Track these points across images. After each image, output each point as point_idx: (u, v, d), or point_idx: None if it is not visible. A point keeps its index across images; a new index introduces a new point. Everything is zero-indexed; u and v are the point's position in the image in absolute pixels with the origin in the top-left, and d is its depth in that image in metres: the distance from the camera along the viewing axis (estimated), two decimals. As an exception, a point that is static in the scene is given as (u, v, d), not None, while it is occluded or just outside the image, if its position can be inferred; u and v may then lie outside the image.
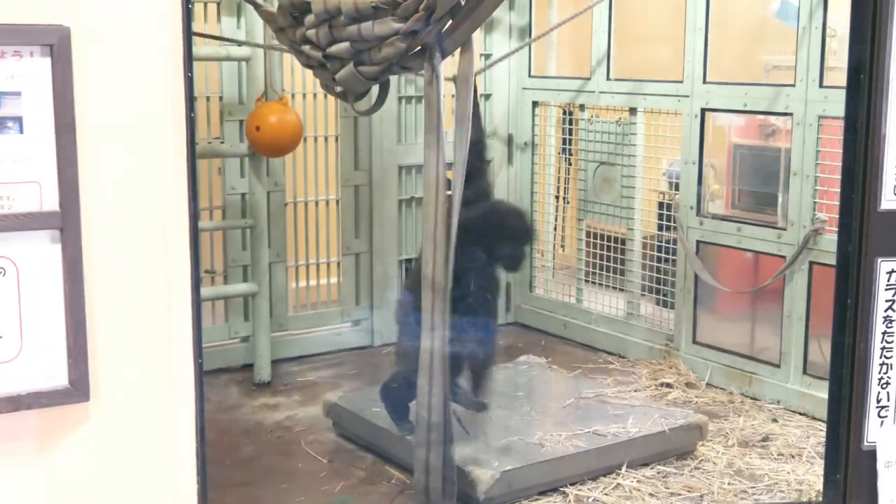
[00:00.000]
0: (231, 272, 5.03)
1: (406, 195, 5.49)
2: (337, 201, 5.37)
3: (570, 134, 5.75)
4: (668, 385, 4.74)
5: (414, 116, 5.50)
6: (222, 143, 4.90)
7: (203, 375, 2.29)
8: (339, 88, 3.87)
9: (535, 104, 5.84)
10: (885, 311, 2.31)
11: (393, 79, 5.28)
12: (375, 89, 3.98)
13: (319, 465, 3.97)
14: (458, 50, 3.54)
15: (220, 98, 4.93)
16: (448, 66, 3.67)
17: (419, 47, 3.60)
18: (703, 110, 4.93)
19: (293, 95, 5.08)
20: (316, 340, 5.29)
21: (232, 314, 5.06)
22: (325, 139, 5.32)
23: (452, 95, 3.49)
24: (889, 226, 2.30)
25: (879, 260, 2.33)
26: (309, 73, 4.02)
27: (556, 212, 5.98)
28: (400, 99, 5.44)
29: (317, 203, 5.34)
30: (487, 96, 5.81)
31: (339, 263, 5.41)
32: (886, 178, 2.29)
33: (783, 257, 4.55)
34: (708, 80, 4.91)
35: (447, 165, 3.50)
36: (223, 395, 4.69)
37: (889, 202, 2.28)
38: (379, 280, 5.42)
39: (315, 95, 5.21)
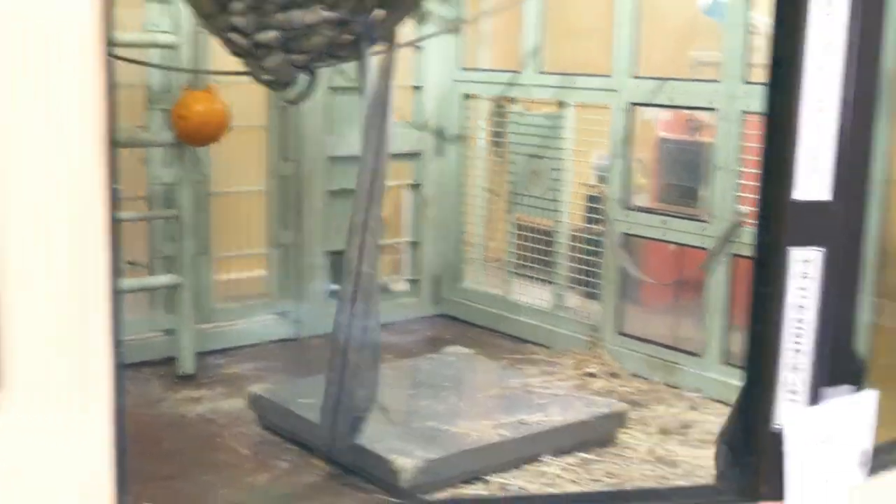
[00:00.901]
0: (155, 264, 4.97)
1: (336, 186, 5.46)
2: (264, 192, 5.32)
3: (501, 127, 5.78)
4: (593, 375, 4.79)
5: (345, 107, 5.47)
6: (146, 131, 4.83)
7: (123, 367, 2.26)
8: (267, 77, 3.85)
9: (465, 96, 5.85)
10: (797, 298, 2.36)
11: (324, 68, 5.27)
12: (305, 79, 3.97)
13: (243, 457, 3.94)
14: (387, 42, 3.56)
15: (145, 86, 4.85)
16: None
17: (350, 36, 3.60)
18: (631, 104, 4.99)
19: (221, 83, 5.01)
20: (242, 332, 5.24)
21: (155, 306, 5.00)
22: (254, 129, 5.27)
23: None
24: (800, 215, 2.34)
25: (793, 249, 2.37)
26: (237, 61, 3.98)
27: (486, 204, 6.00)
28: (330, 89, 5.41)
29: (244, 194, 5.29)
30: (418, 88, 5.81)
31: (266, 255, 5.37)
32: (800, 170, 2.34)
33: (706, 249, 4.63)
34: (636, 74, 4.97)
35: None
36: (145, 388, 4.62)
37: (801, 193, 2.33)
38: (306, 271, 5.39)
39: (244, 84, 5.13)
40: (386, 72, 3.49)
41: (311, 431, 3.94)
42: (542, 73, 5.41)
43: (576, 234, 5.40)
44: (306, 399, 4.12)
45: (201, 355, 4.95)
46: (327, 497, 3.60)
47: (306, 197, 5.35)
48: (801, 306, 2.37)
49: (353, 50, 3.66)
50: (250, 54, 3.75)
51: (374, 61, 3.63)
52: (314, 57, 3.67)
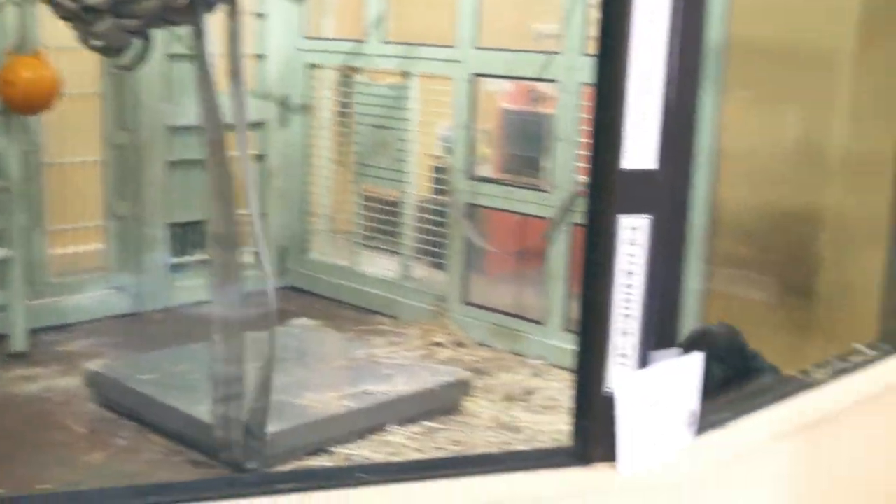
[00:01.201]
0: (-17, 238, 4.74)
1: (175, 157, 5.33)
2: (101, 162, 5.15)
3: (347, 97, 5.73)
4: (440, 344, 4.84)
5: (183, 75, 5.33)
6: (-31, 99, 4.59)
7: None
8: (98, 43, 3.71)
9: (309, 66, 5.78)
10: (626, 264, 2.42)
11: (161, 35, 5.11)
12: (138, 45, 3.84)
13: (79, 435, 3.83)
14: (227, 6, 3.48)
15: (-32, 51, 4.62)
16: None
17: (184, 1, 3.50)
18: (474, 75, 5.02)
19: (51, 49, 4.82)
20: (79, 307, 5.06)
21: (-16, 282, 4.78)
22: (88, 97, 5.08)
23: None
24: (630, 184, 2.40)
25: (622, 217, 2.43)
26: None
27: (332, 175, 5.96)
28: (169, 56, 5.26)
29: (78, 164, 5.11)
30: (261, 57, 5.70)
31: (103, 227, 5.20)
32: (626, 139, 2.39)
33: (548, 219, 4.71)
34: (479, 45, 5.00)
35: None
36: (-27, 367, 4.44)
37: (628, 161, 2.39)
38: (146, 244, 5.25)
39: (76, 50, 4.94)
40: (233, 37, 3.42)
41: (149, 407, 3.86)
42: (386, 42, 5.39)
43: (422, 204, 5.41)
44: (146, 375, 4.03)
45: (35, 332, 4.77)
46: (168, 473, 3.53)
47: (145, 167, 5.20)
48: (629, 272, 2.43)
49: (187, 14, 3.56)
50: (79, 18, 3.60)
51: (210, 27, 3.55)
52: (147, 22, 3.56)
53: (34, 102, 4.41)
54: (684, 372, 2.51)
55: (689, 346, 3.39)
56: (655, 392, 2.43)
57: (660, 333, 2.45)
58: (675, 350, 2.52)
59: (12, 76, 4.31)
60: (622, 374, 2.38)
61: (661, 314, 2.45)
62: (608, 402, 2.39)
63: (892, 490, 3.28)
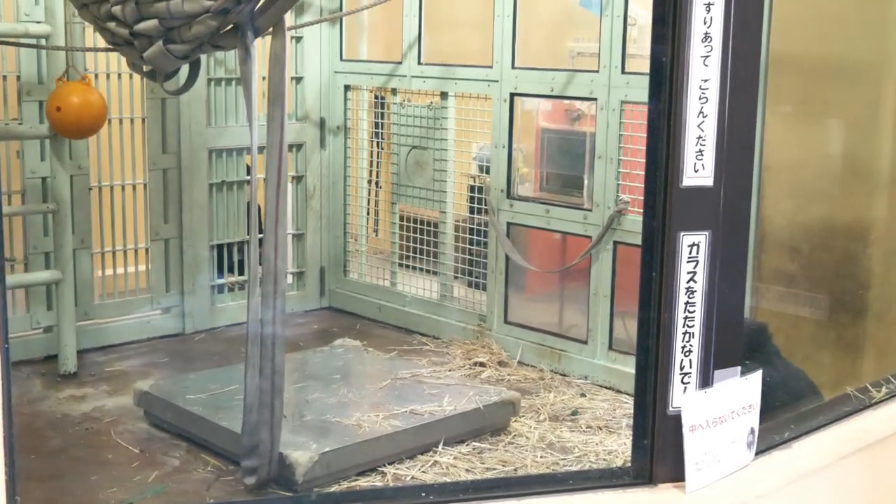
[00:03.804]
0: (32, 260, 4.80)
1: (216, 179, 5.39)
2: (144, 185, 5.21)
3: (383, 118, 5.77)
4: (482, 364, 4.84)
5: (224, 98, 5.40)
6: (20, 124, 4.66)
7: (9, 366, 2.19)
8: (147, 68, 3.76)
9: (346, 88, 5.83)
10: (687, 282, 2.43)
11: (203, 59, 5.17)
12: (186, 69, 3.89)
13: (131, 454, 3.86)
14: (271, 29, 3.51)
15: (18, 77, 4.69)
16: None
17: (231, 25, 3.54)
18: (512, 95, 5.05)
19: (96, 75, 4.89)
20: (125, 328, 5.12)
21: (34, 303, 4.83)
22: (132, 121, 5.15)
23: (264, 77, 3.45)
24: (689, 201, 2.42)
25: (681, 234, 2.44)
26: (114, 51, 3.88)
27: (370, 196, 5.99)
28: (209, 80, 5.32)
29: (123, 187, 5.17)
30: (299, 79, 5.76)
31: (147, 249, 5.25)
32: (686, 157, 2.41)
33: (589, 237, 4.72)
34: (516, 65, 5.03)
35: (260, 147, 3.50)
36: (26, 387, 4.47)
37: (690, 179, 2.40)
38: (190, 265, 5.29)
39: (120, 76, 5.03)
40: (278, 60, 3.45)
41: (200, 426, 3.89)
42: (421, 64, 5.42)
43: (460, 224, 5.43)
44: (194, 394, 4.05)
45: (83, 353, 4.83)
46: (220, 493, 3.55)
47: (187, 189, 5.25)
48: (690, 289, 2.45)
49: (233, 39, 3.61)
50: (129, 44, 3.65)
51: (255, 51, 3.59)
52: (195, 46, 3.60)
53: (82, 127, 4.47)
54: (746, 391, 2.51)
55: None
56: (719, 411, 2.43)
57: (722, 351, 2.46)
58: (735, 368, 2.52)
59: (61, 102, 4.37)
60: (688, 394, 2.39)
61: (722, 332, 2.46)
62: (672, 421, 2.40)
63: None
